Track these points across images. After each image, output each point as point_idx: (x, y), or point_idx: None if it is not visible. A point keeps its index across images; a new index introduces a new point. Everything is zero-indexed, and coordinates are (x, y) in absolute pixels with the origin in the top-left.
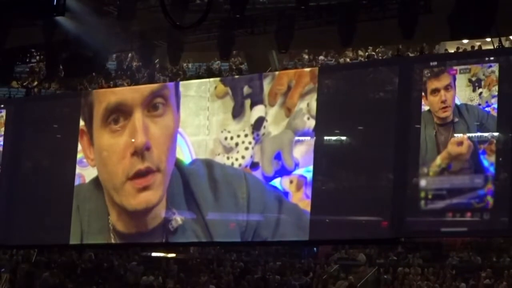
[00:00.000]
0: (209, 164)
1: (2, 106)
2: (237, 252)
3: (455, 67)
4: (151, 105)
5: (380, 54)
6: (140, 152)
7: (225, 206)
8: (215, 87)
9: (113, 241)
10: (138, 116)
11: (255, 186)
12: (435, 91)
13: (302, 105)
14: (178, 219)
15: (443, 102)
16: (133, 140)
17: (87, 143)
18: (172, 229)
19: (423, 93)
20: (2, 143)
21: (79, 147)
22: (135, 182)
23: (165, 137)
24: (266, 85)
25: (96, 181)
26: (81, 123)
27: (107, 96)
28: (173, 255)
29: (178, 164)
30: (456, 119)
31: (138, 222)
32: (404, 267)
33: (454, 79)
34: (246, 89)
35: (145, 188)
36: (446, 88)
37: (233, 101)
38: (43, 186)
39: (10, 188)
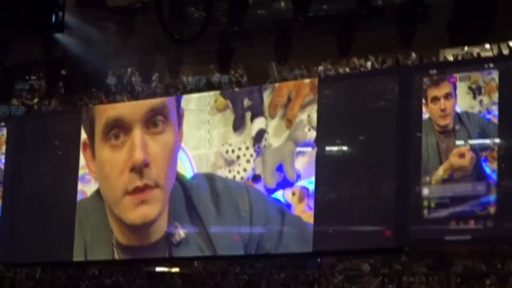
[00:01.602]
0: (210, 178)
1: (2, 124)
2: (241, 265)
3: (455, 75)
4: (151, 122)
5: (379, 63)
6: (138, 169)
7: (228, 219)
8: (215, 100)
9: (116, 254)
10: (137, 133)
11: (257, 198)
12: (435, 99)
13: (303, 116)
14: (181, 232)
15: (443, 110)
16: (132, 157)
17: (89, 155)
18: (175, 242)
19: (424, 101)
20: (3, 161)
21: (81, 163)
22: (134, 196)
23: (165, 154)
24: (266, 97)
25: (97, 193)
26: (84, 136)
27: (107, 111)
28: (177, 269)
29: (179, 179)
30: (457, 127)
31: (139, 235)
32: (409, 276)
33: (455, 87)
34: (246, 102)
35: (143, 202)
36: (446, 96)
37: (234, 114)
38: (46, 203)
39: (13, 206)
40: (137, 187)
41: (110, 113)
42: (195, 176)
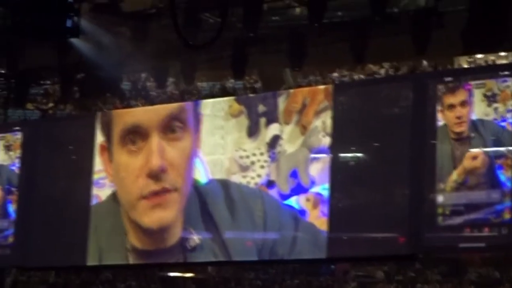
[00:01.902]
0: (225, 184)
1: (18, 128)
2: (255, 271)
3: (470, 82)
4: (168, 128)
5: (394, 70)
6: (155, 175)
7: (242, 225)
8: (230, 106)
9: (130, 259)
10: (154, 139)
11: (271, 204)
12: (451, 106)
13: (318, 122)
14: (195, 239)
15: (458, 118)
16: (148, 162)
17: (107, 158)
18: (189, 248)
19: (440, 108)
20: (19, 165)
21: (96, 167)
22: (150, 200)
23: (182, 159)
24: (281, 103)
25: (113, 197)
26: (101, 139)
27: (124, 117)
28: (190, 274)
29: (194, 184)
30: (472, 134)
31: (155, 239)
32: (423, 284)
33: (471, 94)
34: (261, 108)
35: (159, 206)
36: (462, 104)
37: (248, 120)
38: (60, 208)
39: (27, 210)
40: (154, 191)
41: (128, 120)
42: (210, 182)
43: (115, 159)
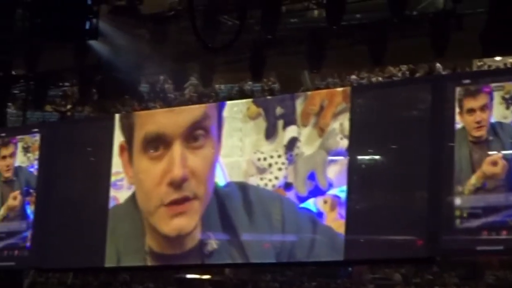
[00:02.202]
0: (243, 187)
1: (36, 130)
2: (272, 273)
3: (489, 85)
4: (191, 137)
5: (412, 72)
6: (177, 185)
7: (260, 228)
8: (248, 108)
9: (148, 262)
10: (177, 148)
11: (289, 208)
12: (471, 111)
13: (335, 125)
14: (213, 243)
15: (478, 122)
16: (170, 171)
17: (127, 160)
18: (207, 253)
19: (459, 110)
20: (37, 167)
21: (114, 169)
22: (170, 208)
23: (204, 167)
24: (299, 105)
25: (132, 199)
26: (121, 139)
27: (147, 124)
28: (208, 276)
29: (214, 188)
30: (491, 138)
31: (174, 244)
32: (440, 287)
33: (491, 98)
34: (278, 110)
35: (180, 214)
36: (482, 108)
37: (266, 122)
38: (78, 209)
39: (45, 211)
40: (175, 199)
41: (150, 127)
42: (228, 185)
43: (136, 163)
